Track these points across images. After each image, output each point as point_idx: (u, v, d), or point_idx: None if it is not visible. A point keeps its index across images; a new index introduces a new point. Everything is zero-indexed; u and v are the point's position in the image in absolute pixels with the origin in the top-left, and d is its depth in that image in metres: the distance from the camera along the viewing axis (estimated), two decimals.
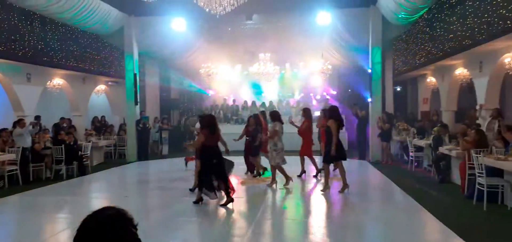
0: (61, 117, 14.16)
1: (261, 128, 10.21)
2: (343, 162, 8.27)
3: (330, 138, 8.13)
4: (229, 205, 7.10)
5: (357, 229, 5.96)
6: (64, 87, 14.64)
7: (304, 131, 10.06)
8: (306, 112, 10.38)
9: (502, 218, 6.36)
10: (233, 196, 7.24)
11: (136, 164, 13.84)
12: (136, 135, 14.57)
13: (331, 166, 8.81)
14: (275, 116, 9.24)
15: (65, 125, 13.41)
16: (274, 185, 8.88)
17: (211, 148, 7.11)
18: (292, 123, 10.30)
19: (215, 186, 7.13)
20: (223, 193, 7.23)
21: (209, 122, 7.25)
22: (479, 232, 5.67)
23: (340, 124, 8.29)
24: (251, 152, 10.31)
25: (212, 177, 7.09)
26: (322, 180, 8.99)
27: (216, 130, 7.23)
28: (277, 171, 8.96)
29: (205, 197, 7.28)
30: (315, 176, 10.04)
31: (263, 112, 11.40)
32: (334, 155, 8.11)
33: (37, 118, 12.60)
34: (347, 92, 19.48)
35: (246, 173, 10.55)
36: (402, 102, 19.26)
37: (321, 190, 8.44)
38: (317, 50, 16.43)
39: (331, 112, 8.49)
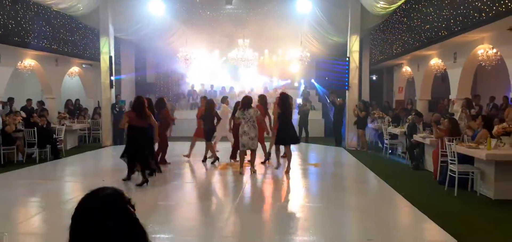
0: (27, 99, 13.72)
1: (213, 112, 10.17)
2: (319, 148, 8.50)
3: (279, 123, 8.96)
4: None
5: (331, 213, 6.07)
6: (36, 69, 14.16)
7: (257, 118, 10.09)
8: (261, 99, 10.37)
9: (472, 204, 6.63)
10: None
11: (111, 148, 13.61)
12: (111, 119, 14.30)
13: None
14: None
15: (32, 107, 13.01)
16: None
17: (137, 128, 7.62)
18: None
19: (137, 164, 7.71)
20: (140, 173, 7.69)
21: (136, 104, 7.71)
22: (450, 216, 5.89)
23: (284, 110, 8.91)
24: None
25: (134, 155, 7.67)
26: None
27: (143, 112, 7.62)
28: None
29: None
30: (263, 163, 10.05)
31: (224, 98, 11.78)
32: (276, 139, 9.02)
33: (10, 100, 12.19)
34: (324, 80, 19.65)
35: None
36: (378, 90, 19.63)
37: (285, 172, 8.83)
38: (296, 38, 16.48)
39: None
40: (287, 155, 9.10)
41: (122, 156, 7.93)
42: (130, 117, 7.69)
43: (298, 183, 8.28)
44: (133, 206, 1.33)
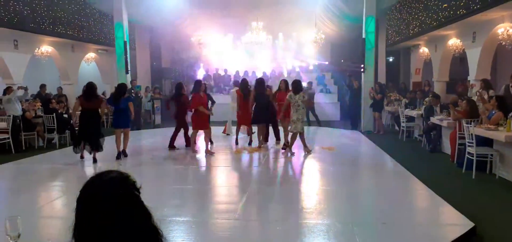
0: (41, 85, 13.85)
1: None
2: (334, 131, 8.60)
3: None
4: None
5: (346, 197, 6.09)
6: (53, 55, 14.41)
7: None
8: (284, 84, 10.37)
9: (491, 187, 6.56)
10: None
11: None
12: None
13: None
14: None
15: (47, 93, 13.20)
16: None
17: (87, 111, 8.30)
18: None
19: (85, 145, 8.38)
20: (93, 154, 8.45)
21: (86, 89, 8.32)
22: (468, 199, 5.85)
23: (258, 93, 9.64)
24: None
25: (82, 136, 8.37)
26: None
27: (92, 97, 8.24)
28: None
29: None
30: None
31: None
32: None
33: (25, 88, 12.43)
34: (340, 63, 19.50)
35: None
36: (395, 72, 19.36)
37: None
38: (310, 20, 16.32)
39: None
40: (263, 134, 9.83)
41: (75, 146, 8.59)
42: (81, 101, 8.39)
43: (312, 166, 8.31)
44: (138, 189, 1.34)
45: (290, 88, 9.40)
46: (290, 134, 9.25)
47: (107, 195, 1.28)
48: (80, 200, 1.31)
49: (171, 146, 10.02)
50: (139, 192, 1.35)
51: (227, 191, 6.75)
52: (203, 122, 9.28)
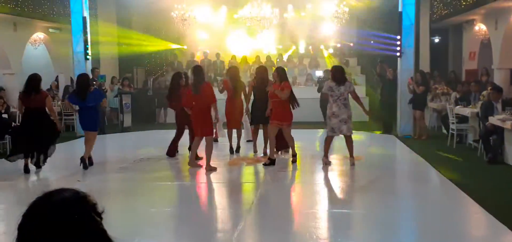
0: None
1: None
2: (362, 135, 8.73)
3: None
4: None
5: (379, 222, 6.07)
6: None
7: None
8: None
9: None
10: None
11: None
12: None
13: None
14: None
15: None
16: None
17: (29, 110, 8.56)
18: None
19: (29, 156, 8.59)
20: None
21: (28, 81, 8.62)
22: None
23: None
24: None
25: (25, 142, 8.56)
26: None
27: (32, 91, 8.48)
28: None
29: None
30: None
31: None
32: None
33: None
34: (369, 44, 19.47)
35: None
36: (442, 57, 19.34)
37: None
38: None
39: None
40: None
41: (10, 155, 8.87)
42: (22, 98, 8.67)
43: (332, 182, 8.28)
44: (100, 214, 1.33)
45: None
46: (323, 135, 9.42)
47: (58, 221, 1.28)
48: (23, 227, 1.31)
49: (172, 152, 10.18)
50: (101, 218, 1.35)
51: (219, 215, 6.74)
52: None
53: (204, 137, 8.84)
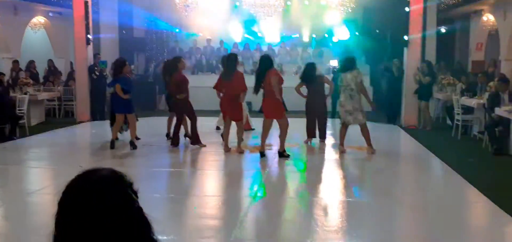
0: None
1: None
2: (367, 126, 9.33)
3: None
4: None
5: (383, 211, 6.12)
6: None
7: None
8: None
9: None
10: None
11: (89, 124, 13.83)
12: (89, 86, 14.46)
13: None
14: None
15: None
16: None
17: None
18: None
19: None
20: None
21: None
22: None
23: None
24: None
25: None
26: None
27: None
28: None
29: None
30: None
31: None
32: None
33: None
34: (374, 34, 19.42)
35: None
36: (448, 47, 19.29)
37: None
38: None
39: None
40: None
41: None
42: None
43: (336, 171, 8.33)
44: (135, 192, 1.37)
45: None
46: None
47: (97, 198, 1.31)
48: (63, 204, 1.34)
49: (174, 140, 10.11)
50: (137, 197, 1.39)
51: (221, 203, 6.78)
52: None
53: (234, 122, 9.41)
